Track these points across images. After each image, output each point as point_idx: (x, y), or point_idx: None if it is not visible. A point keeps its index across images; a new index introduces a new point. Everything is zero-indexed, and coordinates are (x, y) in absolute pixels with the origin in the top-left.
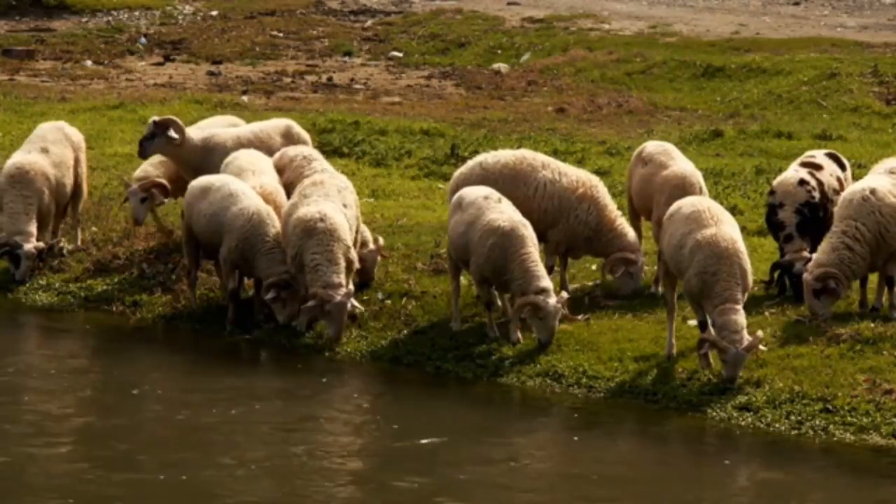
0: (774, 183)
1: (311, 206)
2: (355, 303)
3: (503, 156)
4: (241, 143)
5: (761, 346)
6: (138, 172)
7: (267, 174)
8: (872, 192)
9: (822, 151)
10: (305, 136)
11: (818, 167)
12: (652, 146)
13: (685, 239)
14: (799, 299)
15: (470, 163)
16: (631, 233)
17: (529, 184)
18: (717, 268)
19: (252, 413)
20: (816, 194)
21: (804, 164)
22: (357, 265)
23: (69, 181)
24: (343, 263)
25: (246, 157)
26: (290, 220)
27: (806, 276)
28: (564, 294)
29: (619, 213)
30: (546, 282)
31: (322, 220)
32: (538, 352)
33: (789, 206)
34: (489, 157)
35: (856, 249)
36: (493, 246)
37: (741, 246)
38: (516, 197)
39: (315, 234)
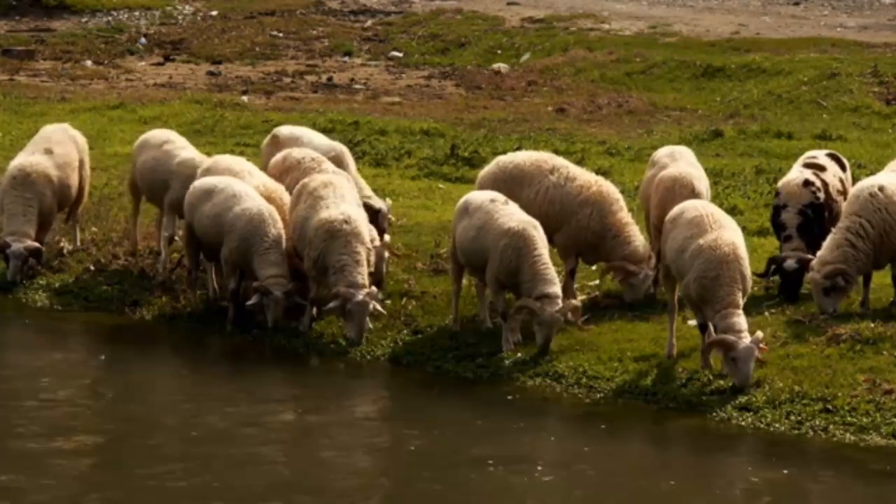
0: (779, 184)
1: (332, 208)
2: (377, 306)
3: (518, 156)
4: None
5: (762, 345)
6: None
7: (260, 174)
8: (881, 188)
9: (822, 152)
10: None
11: (821, 168)
12: (663, 149)
13: (686, 243)
14: (789, 295)
15: (493, 161)
16: (637, 242)
17: (534, 186)
18: (718, 273)
19: (251, 413)
20: (821, 195)
21: (808, 166)
22: (373, 267)
23: (74, 182)
24: (366, 265)
25: (230, 160)
26: (311, 223)
27: (814, 274)
28: (572, 301)
29: (631, 221)
30: (551, 288)
31: (346, 221)
32: (539, 353)
33: (793, 207)
34: (507, 157)
35: (859, 246)
36: (506, 247)
37: (742, 251)
38: (521, 198)
39: (340, 236)
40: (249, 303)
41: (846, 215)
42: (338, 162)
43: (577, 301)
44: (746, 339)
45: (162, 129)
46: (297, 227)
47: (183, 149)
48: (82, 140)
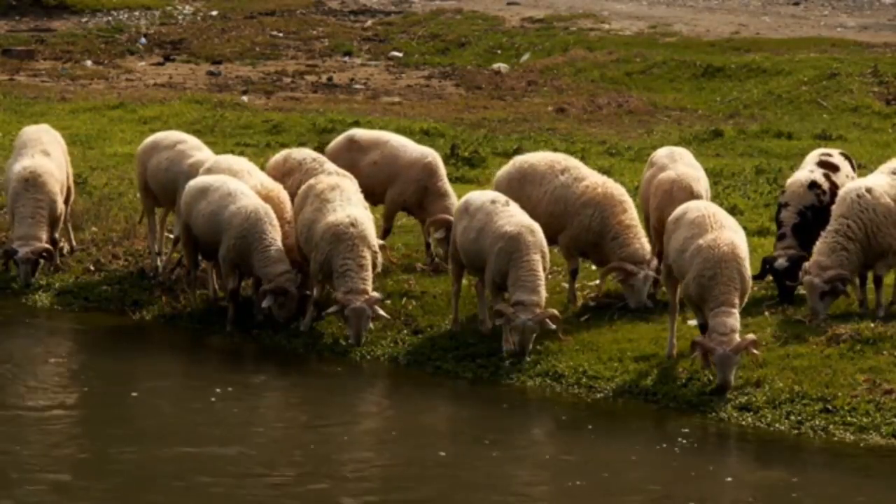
0: (787, 181)
1: (338, 211)
2: (380, 311)
3: (535, 155)
4: None
5: (754, 350)
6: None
7: (259, 173)
8: (868, 190)
9: (837, 151)
10: None
11: (835, 168)
12: (661, 150)
13: (687, 243)
14: (784, 294)
15: (510, 161)
16: (637, 244)
17: (544, 185)
18: (716, 272)
19: (252, 413)
20: (825, 198)
21: (821, 164)
22: (379, 268)
23: (65, 181)
24: (371, 269)
25: (231, 160)
26: (318, 226)
27: (813, 279)
28: (551, 310)
29: (635, 224)
30: (529, 296)
31: (353, 224)
32: (538, 352)
33: (793, 207)
34: (524, 156)
35: (850, 248)
36: (501, 251)
37: (741, 252)
38: (529, 196)
39: (345, 239)
40: (265, 304)
41: (835, 217)
42: (431, 170)
43: (556, 311)
44: (735, 339)
45: (173, 131)
46: (304, 229)
47: (197, 149)
48: (62, 140)
